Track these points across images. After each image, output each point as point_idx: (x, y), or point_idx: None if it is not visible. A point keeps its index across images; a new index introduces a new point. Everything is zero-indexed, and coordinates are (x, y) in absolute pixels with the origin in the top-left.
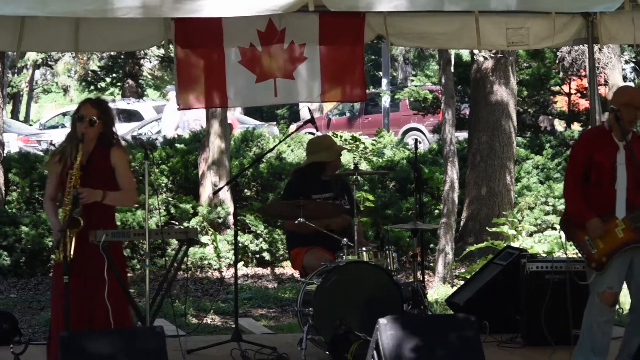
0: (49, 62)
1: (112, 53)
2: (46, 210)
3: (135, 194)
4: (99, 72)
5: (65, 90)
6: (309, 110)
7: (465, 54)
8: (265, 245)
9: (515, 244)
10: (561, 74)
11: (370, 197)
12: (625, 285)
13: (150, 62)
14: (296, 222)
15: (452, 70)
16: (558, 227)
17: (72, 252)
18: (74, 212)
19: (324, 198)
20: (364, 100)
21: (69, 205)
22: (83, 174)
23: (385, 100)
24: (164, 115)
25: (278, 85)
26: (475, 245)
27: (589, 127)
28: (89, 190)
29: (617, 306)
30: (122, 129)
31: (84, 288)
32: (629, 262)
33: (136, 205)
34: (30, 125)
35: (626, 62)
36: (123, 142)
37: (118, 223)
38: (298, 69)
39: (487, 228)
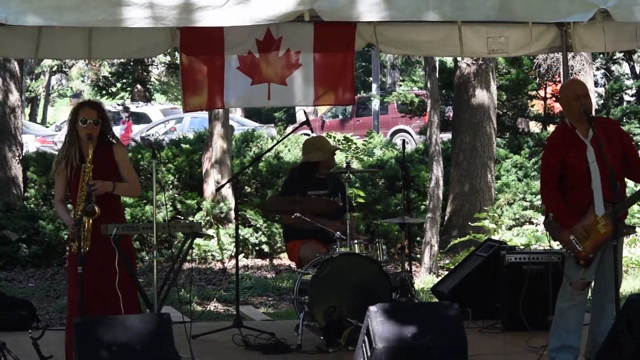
0: (64, 69)
1: (122, 60)
2: (59, 211)
3: (139, 185)
4: (110, 78)
5: (79, 94)
6: (305, 113)
7: (449, 60)
8: (264, 238)
9: (495, 237)
10: (537, 79)
11: (362, 193)
12: None
13: (158, 68)
14: (292, 217)
15: (437, 75)
16: (535, 221)
17: (88, 244)
18: (87, 207)
19: (318, 194)
20: (352, 104)
21: (84, 199)
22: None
23: (375, 104)
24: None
25: (272, 89)
26: (458, 238)
27: (555, 127)
28: (101, 182)
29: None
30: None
31: (98, 277)
32: (601, 254)
33: (144, 200)
34: (47, 127)
35: (597, 68)
36: (133, 143)
37: (128, 217)
38: (293, 75)
39: (469, 222)
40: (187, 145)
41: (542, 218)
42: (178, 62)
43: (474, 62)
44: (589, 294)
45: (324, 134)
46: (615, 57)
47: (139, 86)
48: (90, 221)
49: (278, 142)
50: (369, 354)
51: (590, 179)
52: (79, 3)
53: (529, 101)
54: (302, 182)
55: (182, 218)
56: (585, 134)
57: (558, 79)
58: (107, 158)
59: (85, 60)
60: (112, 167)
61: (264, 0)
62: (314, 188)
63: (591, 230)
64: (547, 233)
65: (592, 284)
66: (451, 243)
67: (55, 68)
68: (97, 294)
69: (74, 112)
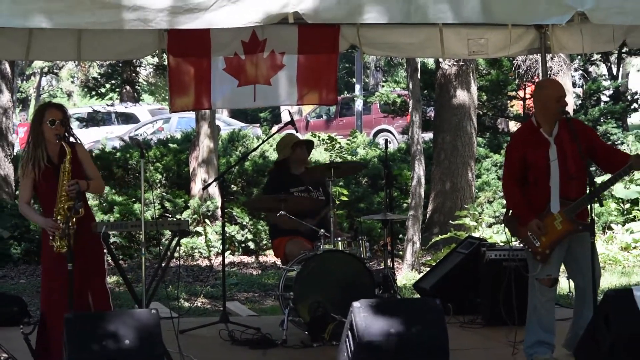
0: (54, 70)
1: (111, 61)
2: (27, 212)
3: (103, 182)
4: (99, 79)
5: (69, 95)
6: (289, 113)
7: (430, 62)
8: (250, 236)
9: (476, 234)
10: (517, 80)
11: (345, 191)
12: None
13: (146, 69)
14: (277, 214)
15: (419, 76)
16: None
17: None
18: (77, 205)
19: (299, 191)
20: (334, 104)
21: (65, 198)
22: (56, 169)
23: (359, 104)
24: None
25: (257, 90)
26: (440, 235)
27: (520, 125)
28: (79, 180)
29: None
30: (120, 130)
31: (81, 275)
32: (566, 247)
33: (133, 199)
34: None
35: (575, 69)
36: (121, 142)
37: (117, 215)
38: (277, 75)
39: (450, 220)
40: (175, 145)
41: None
42: (166, 63)
43: (454, 63)
44: (570, 289)
45: (309, 134)
46: (592, 59)
47: (127, 87)
48: (74, 219)
49: (263, 142)
50: (352, 349)
51: (550, 176)
52: (68, 6)
53: (508, 101)
54: (282, 181)
55: (170, 216)
56: (549, 132)
57: (537, 80)
58: (73, 158)
59: (75, 62)
60: (77, 166)
61: (249, 3)
62: (294, 185)
63: (547, 227)
64: (506, 229)
65: (571, 281)
66: (433, 240)
67: (45, 69)
68: (79, 291)
69: (38, 114)
